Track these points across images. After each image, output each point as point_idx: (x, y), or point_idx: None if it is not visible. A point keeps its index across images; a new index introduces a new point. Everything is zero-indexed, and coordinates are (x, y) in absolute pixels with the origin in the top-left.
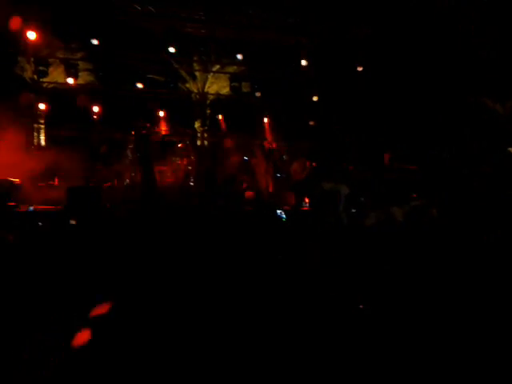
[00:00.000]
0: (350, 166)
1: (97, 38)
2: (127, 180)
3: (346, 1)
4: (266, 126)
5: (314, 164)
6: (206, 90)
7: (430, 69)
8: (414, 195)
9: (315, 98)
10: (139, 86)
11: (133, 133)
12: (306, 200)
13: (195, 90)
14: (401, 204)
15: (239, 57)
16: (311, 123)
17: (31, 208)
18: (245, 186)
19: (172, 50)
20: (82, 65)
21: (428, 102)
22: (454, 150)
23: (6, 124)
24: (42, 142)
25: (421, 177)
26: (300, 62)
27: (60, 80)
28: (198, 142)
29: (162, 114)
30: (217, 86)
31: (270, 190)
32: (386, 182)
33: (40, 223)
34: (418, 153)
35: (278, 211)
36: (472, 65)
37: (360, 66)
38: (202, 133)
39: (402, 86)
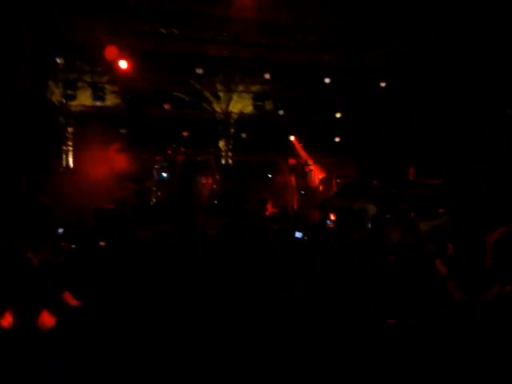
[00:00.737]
0: (375, 182)
1: (122, 61)
2: (153, 199)
3: (369, 19)
4: (296, 144)
5: (339, 180)
6: (230, 109)
7: (454, 83)
8: (441, 210)
9: (338, 115)
10: (165, 107)
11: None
12: (332, 217)
13: (219, 110)
14: (427, 220)
15: (267, 76)
16: (337, 139)
17: (60, 231)
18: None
19: (197, 71)
20: (108, 88)
21: (454, 116)
22: (480, 165)
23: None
24: (71, 164)
25: (446, 192)
26: (323, 80)
27: (87, 103)
28: (223, 161)
29: (186, 134)
30: (240, 104)
31: (295, 207)
32: (412, 197)
33: (72, 246)
34: (443, 167)
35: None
36: (499, 77)
37: (383, 82)
38: (227, 152)
39: (426, 101)
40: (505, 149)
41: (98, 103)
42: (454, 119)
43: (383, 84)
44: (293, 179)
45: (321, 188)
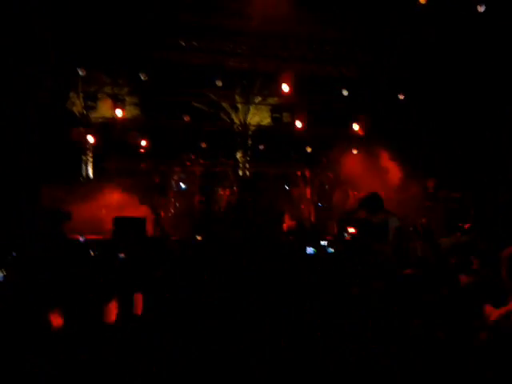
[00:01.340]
0: (393, 195)
1: (143, 73)
2: (172, 210)
3: (386, 31)
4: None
5: (356, 193)
6: (248, 121)
7: (475, 93)
8: (460, 224)
9: (356, 127)
10: (184, 118)
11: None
12: (349, 230)
13: (237, 122)
14: (448, 235)
15: (286, 89)
16: (354, 151)
17: (81, 239)
18: (287, 216)
19: (216, 83)
20: (128, 99)
21: (474, 127)
22: (501, 177)
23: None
24: (90, 175)
25: (467, 205)
26: (341, 92)
27: (107, 114)
28: (240, 173)
29: (205, 145)
30: (258, 117)
31: (312, 219)
32: (432, 210)
33: (92, 253)
34: (464, 179)
35: (322, 242)
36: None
37: (402, 93)
38: (244, 163)
39: (447, 112)
40: None
41: (119, 115)
42: (470, 130)
43: (402, 97)
44: (309, 191)
45: (338, 200)
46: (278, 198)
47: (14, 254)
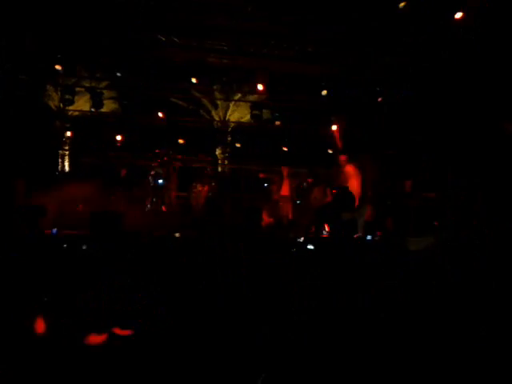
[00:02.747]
0: (370, 192)
1: (121, 68)
2: (148, 205)
3: (369, 30)
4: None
5: (333, 191)
6: (227, 117)
7: (453, 95)
8: (436, 223)
9: (334, 127)
10: (159, 114)
11: (155, 159)
12: (326, 228)
13: (217, 118)
14: (422, 234)
15: (260, 87)
16: (330, 151)
17: (54, 230)
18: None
19: (194, 79)
20: (106, 93)
21: (452, 127)
22: (477, 179)
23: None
24: (67, 169)
25: (443, 205)
26: (320, 91)
27: (85, 108)
28: (219, 169)
29: (182, 141)
30: (238, 113)
31: (290, 216)
32: (408, 209)
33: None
34: (440, 180)
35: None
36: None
37: (381, 93)
38: (223, 160)
39: (425, 113)
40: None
41: (95, 109)
42: (452, 131)
43: (380, 100)
44: (288, 188)
45: (315, 198)
46: (256, 195)
47: None
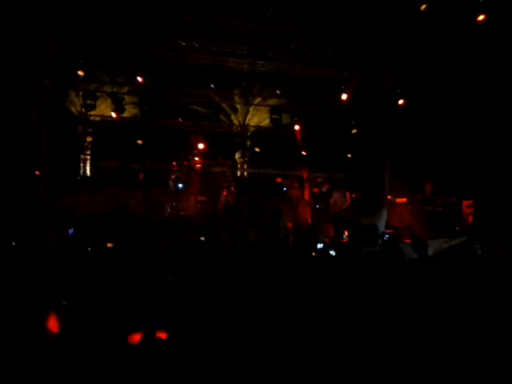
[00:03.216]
0: (389, 197)
1: (143, 73)
2: (168, 209)
3: (386, 34)
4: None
5: (353, 195)
6: (246, 122)
7: (473, 100)
8: (457, 228)
9: (354, 131)
10: (179, 120)
11: (174, 163)
12: (346, 232)
13: (236, 123)
14: (443, 238)
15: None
16: (349, 155)
17: (71, 231)
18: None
19: (214, 84)
20: (127, 98)
21: (472, 133)
22: (498, 183)
23: None
24: (88, 173)
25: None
26: (340, 95)
27: (106, 113)
28: (238, 173)
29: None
30: (257, 118)
31: (309, 221)
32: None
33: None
34: (461, 185)
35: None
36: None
37: (401, 98)
38: (242, 164)
39: (445, 118)
40: None
41: (116, 114)
42: (472, 136)
43: (401, 102)
44: (307, 193)
45: (334, 202)
46: (276, 199)
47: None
